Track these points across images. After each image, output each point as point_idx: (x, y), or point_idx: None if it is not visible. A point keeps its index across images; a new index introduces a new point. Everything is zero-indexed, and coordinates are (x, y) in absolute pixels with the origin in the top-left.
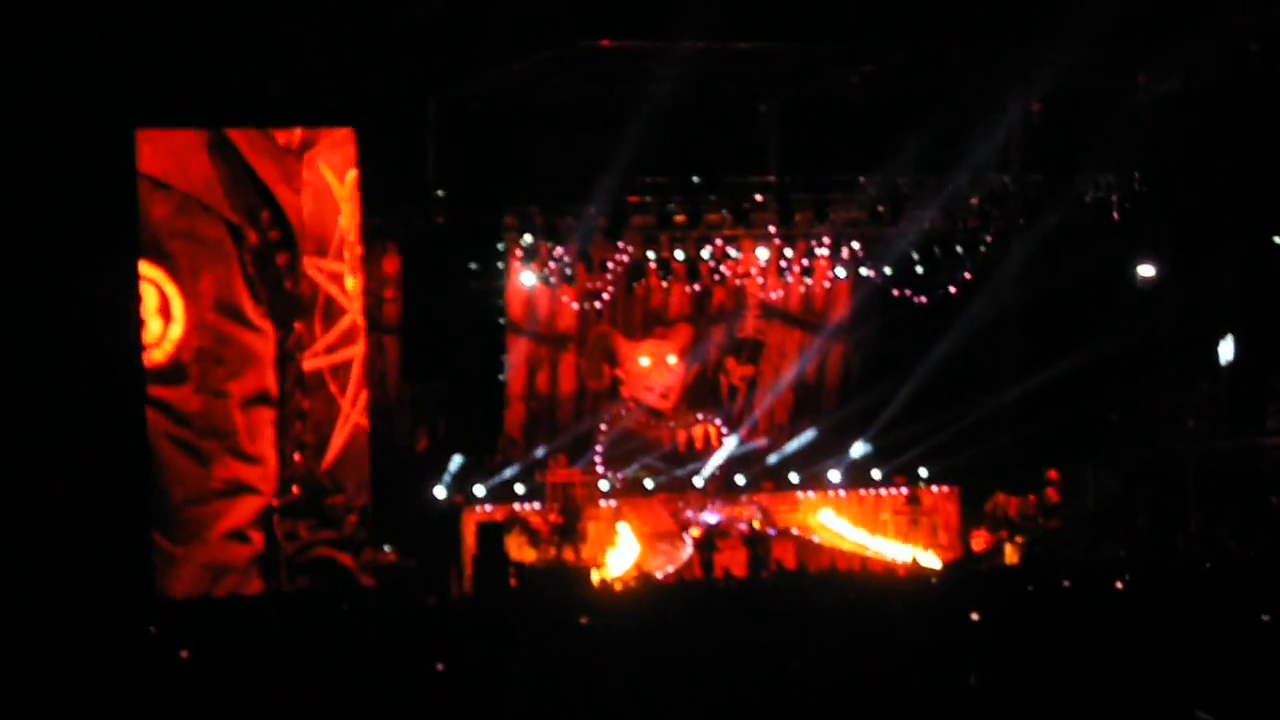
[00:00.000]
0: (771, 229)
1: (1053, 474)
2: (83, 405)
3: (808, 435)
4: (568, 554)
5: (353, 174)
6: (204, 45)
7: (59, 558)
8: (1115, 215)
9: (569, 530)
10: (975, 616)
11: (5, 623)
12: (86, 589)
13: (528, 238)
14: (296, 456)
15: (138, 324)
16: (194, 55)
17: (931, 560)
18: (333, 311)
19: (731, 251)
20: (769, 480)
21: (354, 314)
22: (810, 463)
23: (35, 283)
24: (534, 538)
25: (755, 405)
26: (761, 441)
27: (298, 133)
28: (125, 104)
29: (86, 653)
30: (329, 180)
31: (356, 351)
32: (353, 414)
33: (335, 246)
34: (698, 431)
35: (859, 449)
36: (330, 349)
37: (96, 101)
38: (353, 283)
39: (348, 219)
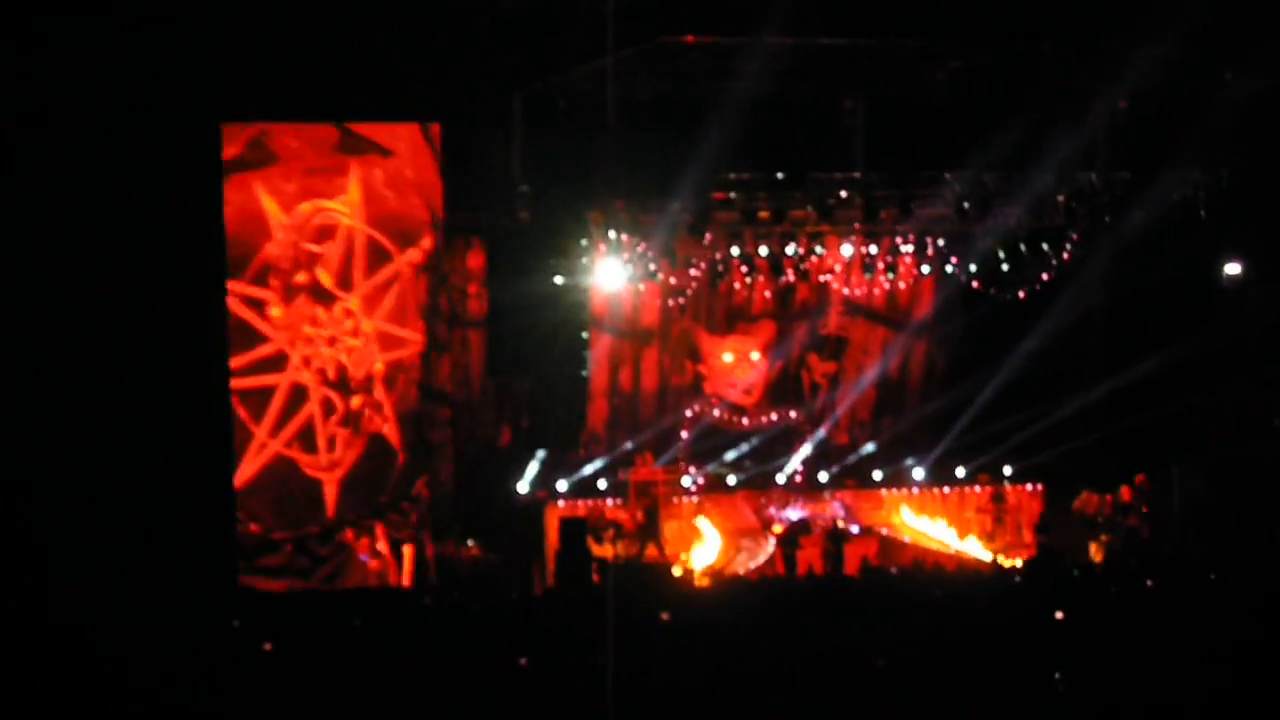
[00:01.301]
0: (856, 225)
1: (1140, 478)
2: (168, 398)
3: (894, 433)
4: (650, 551)
5: (309, 206)
6: (289, 39)
7: (143, 552)
8: (1202, 213)
9: (651, 528)
10: (1060, 615)
11: (88, 615)
12: (170, 582)
13: (612, 233)
14: None
15: (224, 318)
16: (279, 49)
17: (1016, 558)
18: (249, 336)
19: (816, 248)
20: (852, 477)
21: (279, 343)
22: (894, 459)
23: (122, 280)
24: (617, 534)
25: (837, 402)
26: (843, 439)
27: (232, 149)
28: (211, 98)
29: (170, 646)
30: (266, 206)
31: (280, 381)
32: (271, 443)
33: (254, 271)
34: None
35: (944, 447)
36: (240, 372)
37: (182, 95)
38: (279, 312)
39: (280, 248)
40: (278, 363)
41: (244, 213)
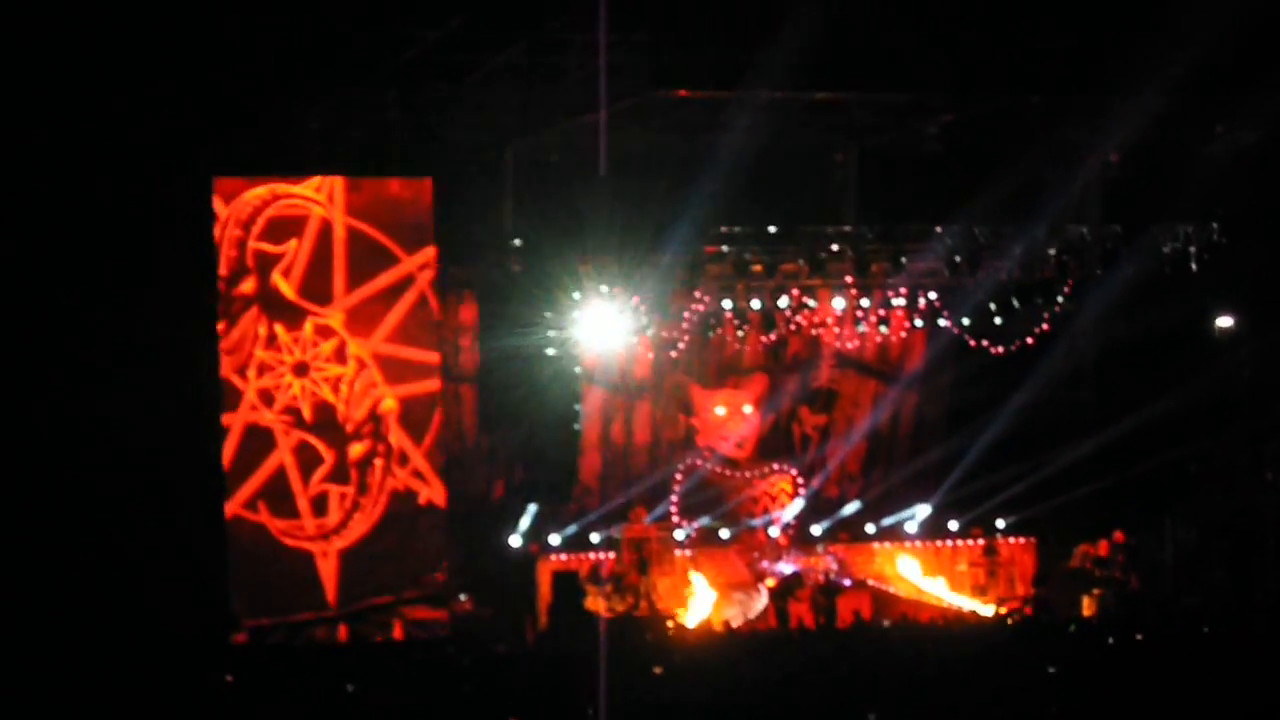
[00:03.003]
0: (848, 278)
1: (1119, 535)
2: (160, 445)
3: (885, 486)
4: (643, 605)
5: (262, 191)
6: (283, 94)
7: (134, 611)
8: (1193, 266)
9: (643, 582)
10: (1051, 670)
11: (79, 670)
12: (162, 638)
13: (604, 286)
14: None
15: (215, 364)
16: (270, 104)
17: (1008, 612)
18: None
19: (808, 301)
20: (845, 531)
21: (222, 370)
22: (886, 513)
23: (116, 327)
24: (610, 588)
25: (828, 455)
26: (834, 491)
27: None
28: (201, 151)
29: (162, 702)
30: None
31: (230, 421)
32: (229, 505)
33: None
34: (773, 481)
35: (936, 500)
36: None
37: (176, 150)
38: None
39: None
40: (223, 398)
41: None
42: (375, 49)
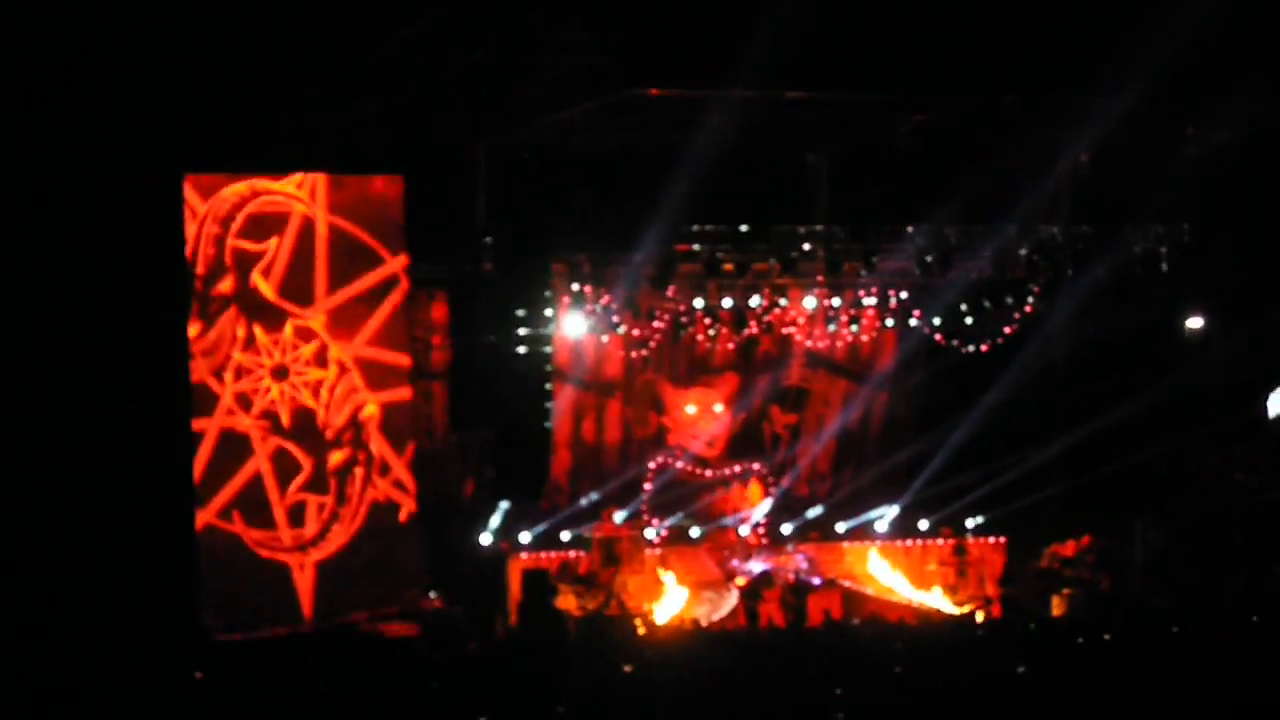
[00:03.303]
0: (819, 278)
1: (1085, 539)
2: (131, 437)
3: (854, 486)
4: (613, 604)
5: (241, 188)
6: (255, 90)
7: (102, 604)
8: (1164, 267)
9: (614, 581)
10: (1021, 669)
11: (47, 667)
12: (131, 634)
13: (575, 285)
14: None
15: (186, 359)
16: (241, 102)
17: (977, 611)
18: None
19: (780, 300)
20: (815, 530)
21: (196, 373)
22: (856, 512)
23: (85, 319)
24: (580, 587)
25: (799, 454)
26: (804, 490)
27: None
28: (173, 149)
29: (129, 695)
30: None
31: (205, 426)
32: (199, 513)
33: None
34: (744, 480)
35: (905, 499)
36: None
37: (146, 146)
38: (193, 332)
39: (191, 244)
40: (198, 402)
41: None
42: (348, 45)
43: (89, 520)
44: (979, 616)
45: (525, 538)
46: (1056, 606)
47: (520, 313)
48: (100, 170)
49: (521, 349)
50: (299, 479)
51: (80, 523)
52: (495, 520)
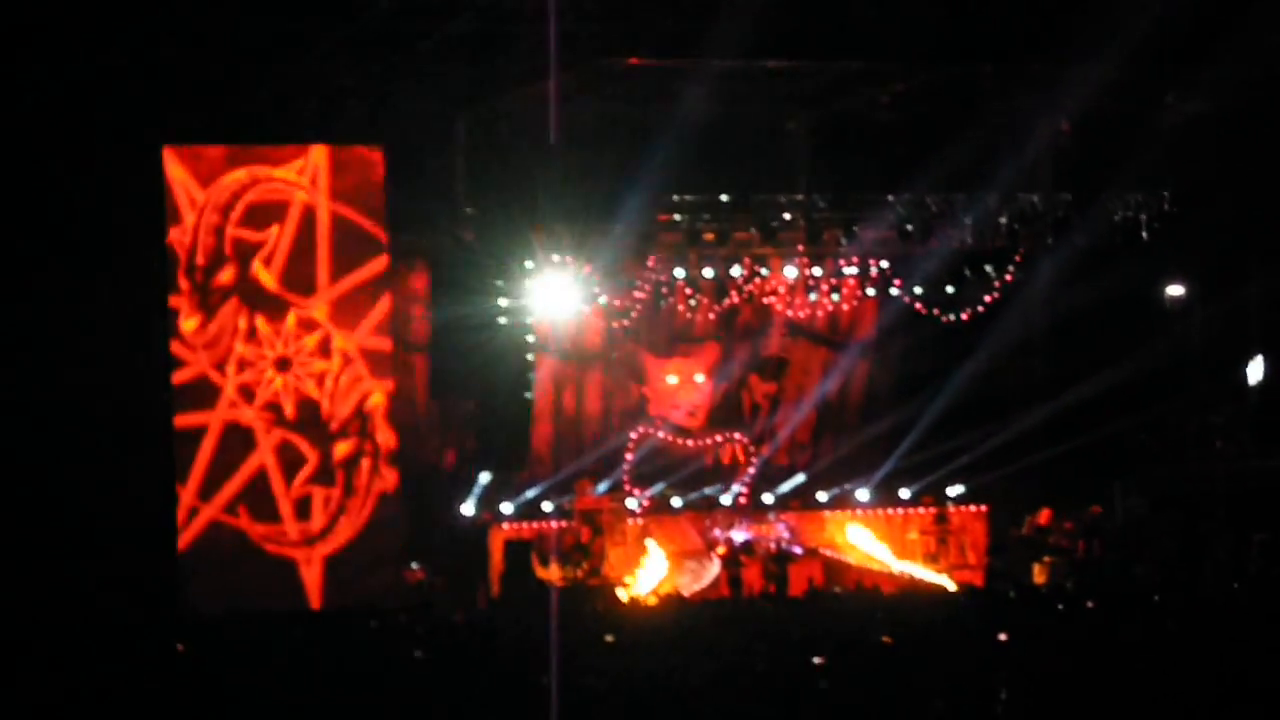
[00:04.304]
0: (800, 247)
1: (1047, 513)
2: (112, 421)
3: (836, 455)
4: (595, 574)
5: (241, 174)
6: (234, 62)
7: (84, 579)
8: (1144, 235)
9: (596, 551)
10: (1003, 637)
11: (31, 640)
12: (113, 609)
13: (556, 255)
14: None
15: (166, 340)
16: (220, 73)
17: (959, 580)
18: None
19: (761, 269)
20: (796, 499)
21: (198, 366)
22: (838, 481)
23: (68, 302)
24: (562, 557)
25: (778, 424)
26: (784, 460)
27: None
28: (154, 120)
29: (114, 673)
30: (172, 175)
31: (209, 420)
32: (204, 508)
33: None
34: (725, 449)
35: (887, 468)
36: None
37: (124, 118)
38: (193, 324)
39: (191, 234)
40: (201, 395)
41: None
42: (326, 17)
43: (65, 498)
44: (959, 586)
45: (507, 508)
46: (1038, 575)
47: (500, 283)
48: (78, 142)
49: (502, 320)
50: (304, 471)
51: (56, 501)
52: (477, 491)
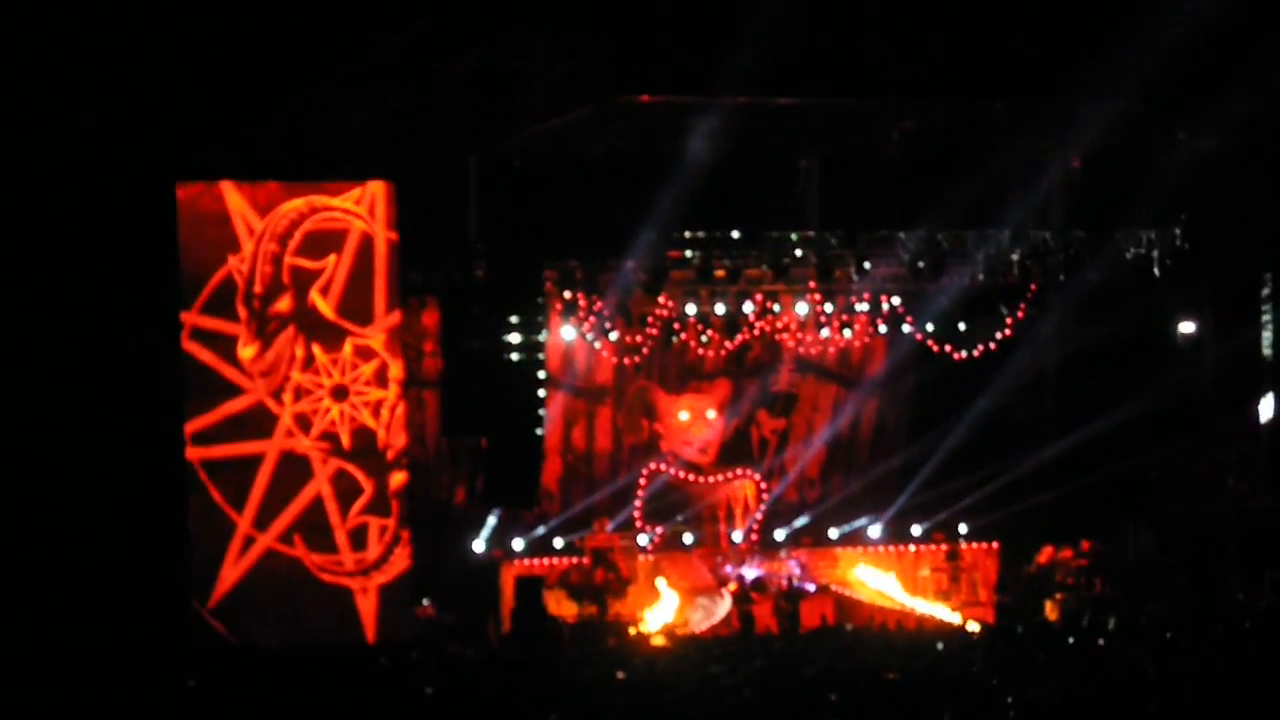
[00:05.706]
0: (811, 284)
1: (1085, 544)
2: (124, 453)
3: (846, 492)
4: (606, 611)
5: (299, 203)
6: (246, 99)
7: (96, 611)
8: (1156, 272)
9: (608, 588)
10: (1013, 673)
11: (43, 672)
12: (123, 641)
13: (567, 292)
14: None
15: (179, 373)
16: (233, 109)
17: (971, 617)
18: (209, 385)
19: (772, 306)
20: (807, 535)
21: (255, 394)
22: (849, 517)
23: (80, 336)
24: (573, 594)
25: (787, 460)
26: (793, 496)
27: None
28: (165, 157)
29: (118, 702)
30: (231, 204)
31: (265, 449)
32: (260, 537)
33: (208, 296)
34: (736, 486)
35: (898, 505)
36: (205, 435)
37: (137, 155)
38: (250, 352)
39: (249, 262)
40: (258, 423)
41: (198, 217)
42: (338, 53)
43: (79, 526)
44: (972, 623)
45: (518, 545)
46: (1050, 611)
47: (512, 319)
48: (91, 178)
49: (513, 356)
50: (360, 501)
51: (70, 528)
52: (487, 528)
